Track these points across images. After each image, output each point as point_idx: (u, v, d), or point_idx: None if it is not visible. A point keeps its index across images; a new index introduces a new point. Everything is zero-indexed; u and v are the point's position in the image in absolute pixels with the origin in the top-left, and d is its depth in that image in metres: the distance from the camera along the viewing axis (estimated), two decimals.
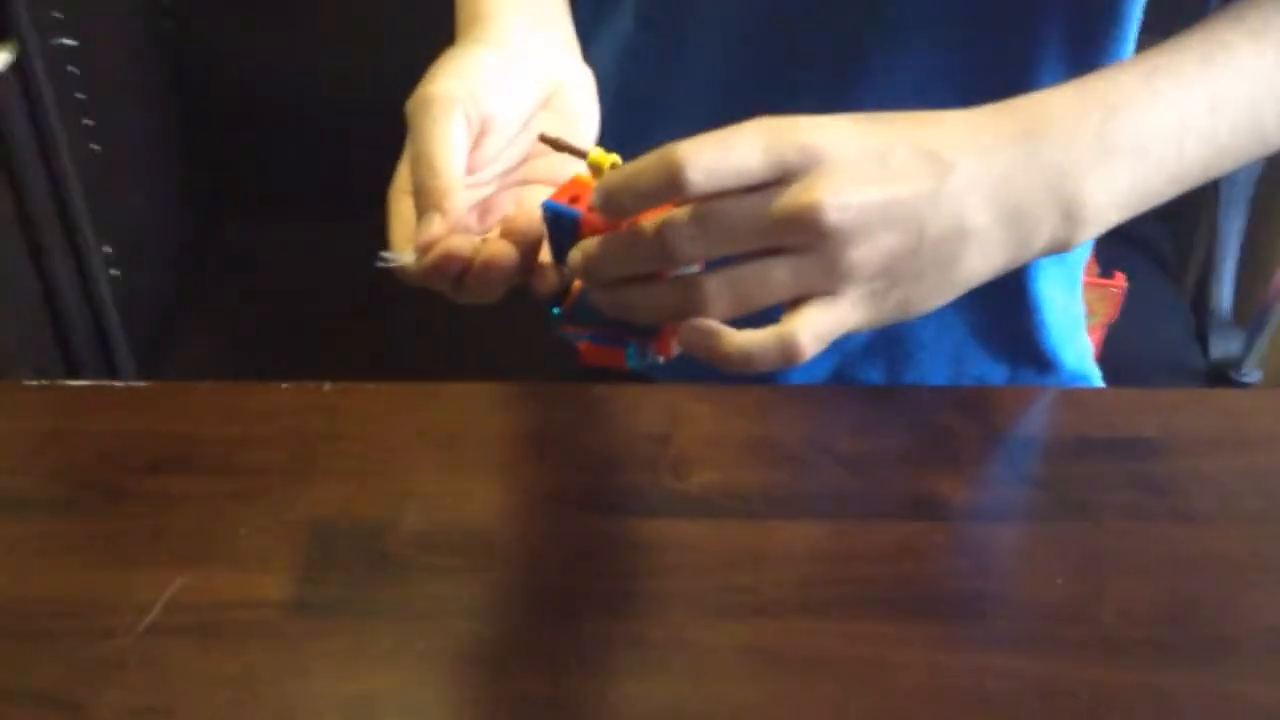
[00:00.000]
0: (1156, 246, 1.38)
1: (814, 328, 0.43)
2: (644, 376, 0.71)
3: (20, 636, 0.56)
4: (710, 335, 0.44)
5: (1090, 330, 1.25)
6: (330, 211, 1.48)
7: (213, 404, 0.69)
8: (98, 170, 1.49)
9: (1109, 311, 1.20)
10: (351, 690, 0.54)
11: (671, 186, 0.41)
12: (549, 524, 0.62)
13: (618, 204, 0.43)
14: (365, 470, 0.65)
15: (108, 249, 1.52)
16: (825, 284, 0.43)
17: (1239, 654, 0.57)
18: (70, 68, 1.42)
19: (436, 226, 0.47)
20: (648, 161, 0.42)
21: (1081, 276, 0.75)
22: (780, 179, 0.42)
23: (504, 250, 0.48)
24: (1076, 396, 0.73)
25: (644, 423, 0.67)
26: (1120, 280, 1.22)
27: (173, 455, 0.65)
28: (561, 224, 0.48)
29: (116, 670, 0.55)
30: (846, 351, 0.74)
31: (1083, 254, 0.74)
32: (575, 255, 0.45)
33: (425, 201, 0.48)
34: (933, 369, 0.74)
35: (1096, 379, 0.79)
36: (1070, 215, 0.47)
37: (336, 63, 1.65)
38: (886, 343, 0.73)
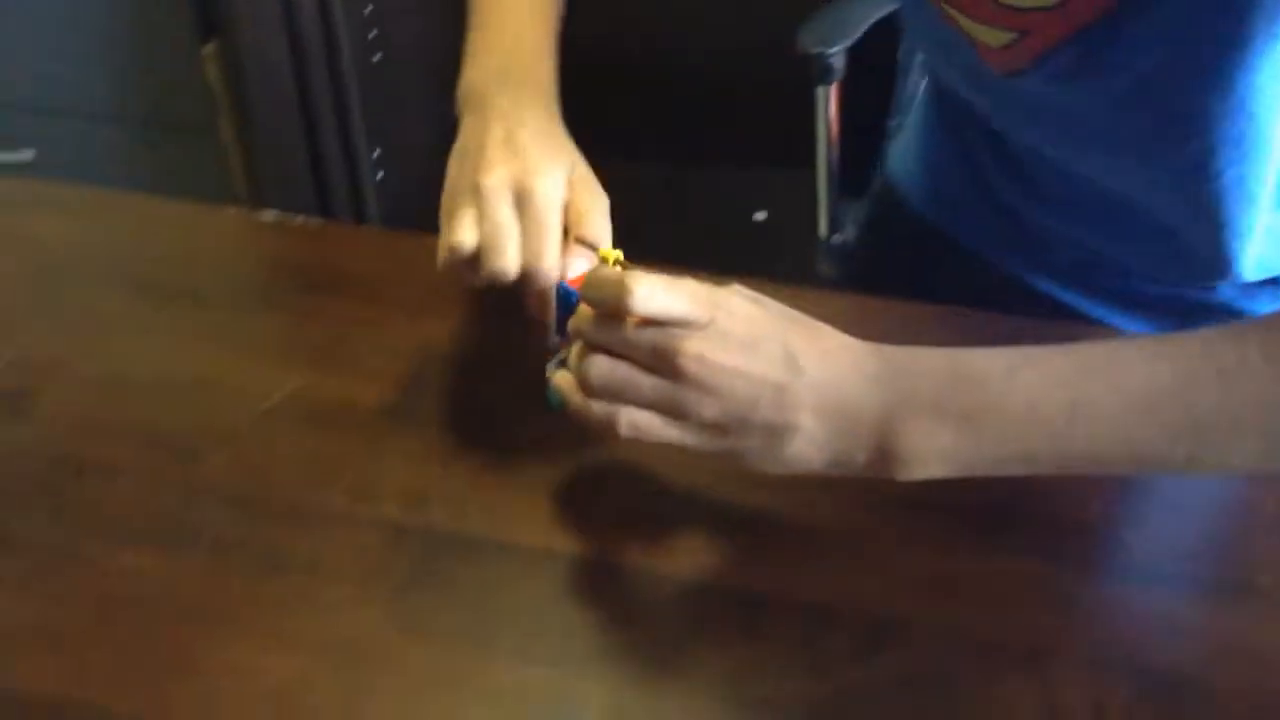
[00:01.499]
0: None
1: (637, 422, 0.54)
2: None
3: (165, 398, 0.68)
4: (570, 386, 0.56)
5: None
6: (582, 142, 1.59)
7: (371, 246, 0.79)
8: (376, 79, 1.64)
9: None
10: (412, 482, 0.62)
11: (618, 302, 0.53)
12: None
13: (587, 298, 0.55)
14: (479, 314, 0.72)
15: (377, 152, 1.68)
16: (669, 408, 0.54)
17: (1267, 600, 0.56)
18: None
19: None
20: (616, 277, 0.54)
21: None
22: (684, 325, 0.53)
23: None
24: None
25: None
26: None
27: (325, 281, 0.75)
28: (568, 301, 0.60)
29: (232, 437, 0.65)
30: None
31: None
32: (572, 322, 0.57)
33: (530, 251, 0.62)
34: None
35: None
36: (886, 455, 0.54)
37: None
38: None
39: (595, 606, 0.57)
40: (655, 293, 0.53)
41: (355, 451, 0.64)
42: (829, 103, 1.25)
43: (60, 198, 0.83)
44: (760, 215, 1.93)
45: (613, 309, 0.53)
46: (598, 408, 0.55)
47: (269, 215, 0.82)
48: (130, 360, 0.70)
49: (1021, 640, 0.55)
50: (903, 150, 0.89)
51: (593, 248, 0.62)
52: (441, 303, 0.73)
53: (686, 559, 0.59)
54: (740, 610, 0.56)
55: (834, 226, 1.36)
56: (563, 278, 0.62)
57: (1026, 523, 0.60)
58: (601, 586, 0.58)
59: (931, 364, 0.55)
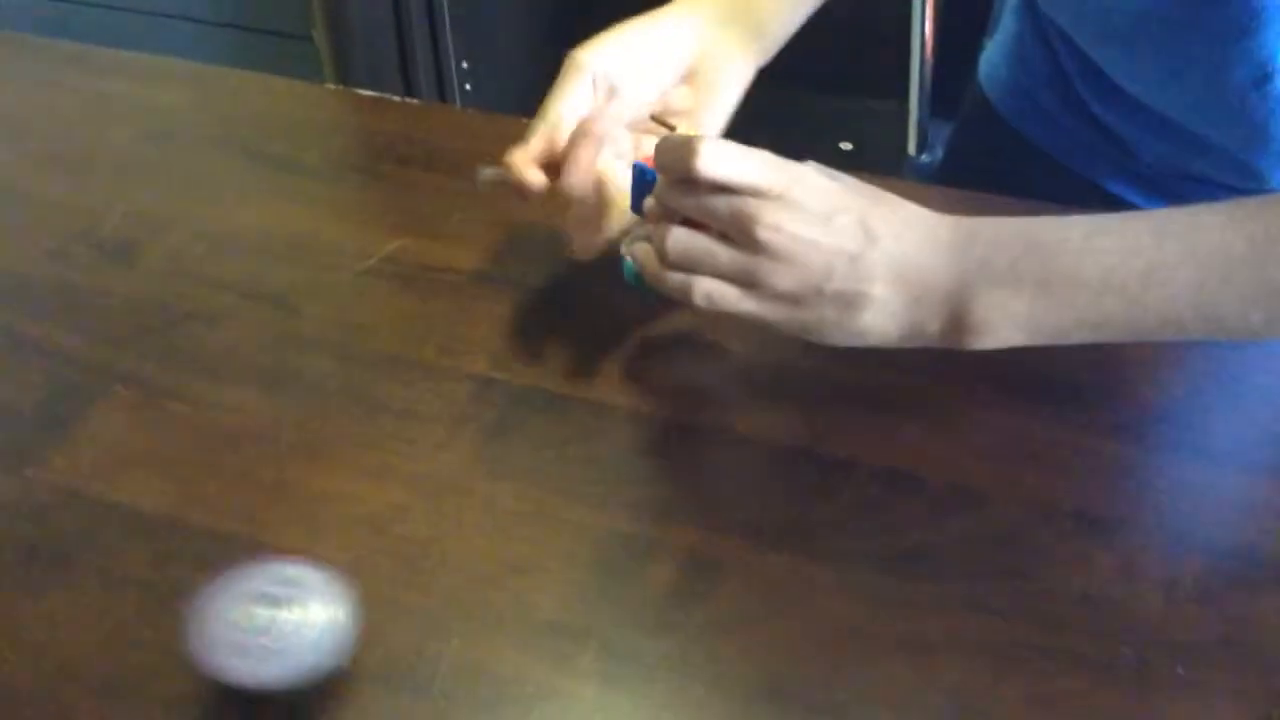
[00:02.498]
0: None
1: (712, 292, 0.55)
2: None
3: (266, 255, 0.70)
4: (648, 256, 0.57)
5: None
6: None
7: (464, 125, 0.81)
8: None
9: None
10: (499, 341, 0.64)
11: (687, 164, 0.53)
12: None
13: (659, 164, 0.56)
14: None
15: (465, 64, 1.70)
16: (744, 278, 0.54)
17: None
18: None
19: (515, 155, 0.61)
20: (684, 140, 0.53)
21: None
22: (758, 194, 0.54)
23: (535, 179, 0.61)
24: None
25: None
26: None
27: (420, 155, 0.77)
28: (644, 180, 0.59)
29: (334, 292, 0.67)
30: None
31: None
32: (648, 201, 0.58)
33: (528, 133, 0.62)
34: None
35: None
36: (959, 324, 0.54)
37: None
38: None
39: (674, 462, 0.59)
40: (724, 155, 0.53)
41: (446, 311, 0.66)
42: (925, 14, 1.24)
43: (172, 70, 0.86)
44: (847, 145, 1.93)
45: (683, 171, 0.54)
46: (674, 278, 0.56)
47: (366, 92, 0.84)
48: (233, 219, 0.73)
49: (1095, 510, 0.55)
50: (995, 58, 0.89)
51: (670, 127, 0.63)
52: None
53: (767, 423, 0.60)
54: (817, 472, 0.58)
55: (922, 146, 1.35)
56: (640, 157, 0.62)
57: (1106, 401, 0.60)
58: (680, 444, 0.60)
59: (1006, 232, 0.55)
